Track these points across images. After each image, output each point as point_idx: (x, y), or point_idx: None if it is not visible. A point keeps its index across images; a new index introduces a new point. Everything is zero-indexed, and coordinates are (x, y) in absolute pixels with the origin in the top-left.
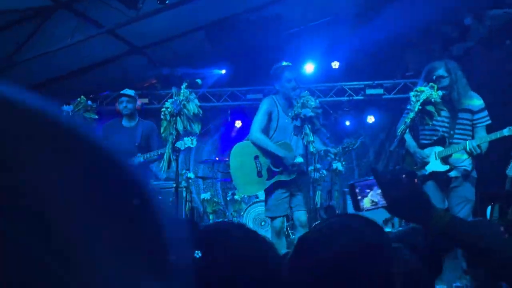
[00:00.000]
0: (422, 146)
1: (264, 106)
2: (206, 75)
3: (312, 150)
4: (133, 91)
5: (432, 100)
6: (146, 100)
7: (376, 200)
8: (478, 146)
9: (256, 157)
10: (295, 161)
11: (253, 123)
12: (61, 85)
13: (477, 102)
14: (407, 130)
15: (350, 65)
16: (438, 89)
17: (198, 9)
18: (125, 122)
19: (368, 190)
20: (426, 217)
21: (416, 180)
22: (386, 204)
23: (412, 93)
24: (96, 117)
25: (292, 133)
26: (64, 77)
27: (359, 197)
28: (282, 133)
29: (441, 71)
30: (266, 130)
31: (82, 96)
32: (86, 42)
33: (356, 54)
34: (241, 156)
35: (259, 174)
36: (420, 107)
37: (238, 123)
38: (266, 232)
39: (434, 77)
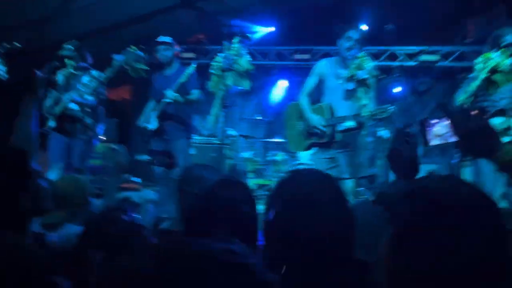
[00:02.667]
0: (482, 118)
1: (315, 69)
2: (255, 32)
3: (365, 114)
4: (170, 38)
5: (500, 68)
6: (193, 55)
7: (445, 137)
8: None
9: (300, 117)
10: (345, 124)
11: (304, 84)
12: (111, 34)
13: None
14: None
15: (405, 28)
16: (508, 56)
17: None
18: (166, 71)
19: (438, 127)
20: (495, 148)
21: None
22: (455, 139)
23: (478, 59)
24: (146, 68)
25: (342, 97)
26: (115, 26)
27: (428, 133)
28: (331, 96)
29: (511, 37)
30: (316, 93)
31: (132, 46)
32: None
33: (413, 17)
34: (291, 114)
35: (301, 134)
36: (487, 75)
37: (282, 83)
38: None
39: (503, 43)
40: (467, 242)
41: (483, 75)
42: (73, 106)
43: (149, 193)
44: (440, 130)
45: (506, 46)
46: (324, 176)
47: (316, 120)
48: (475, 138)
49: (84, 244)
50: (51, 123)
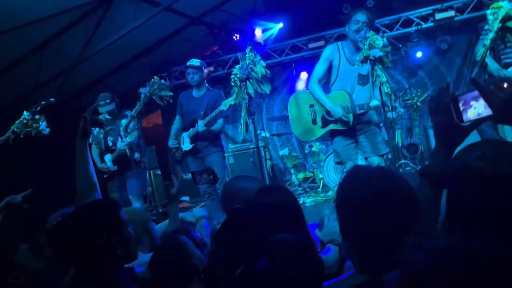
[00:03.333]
0: (506, 66)
1: (324, 53)
2: (265, 35)
3: (387, 90)
4: (199, 60)
5: None
6: (211, 68)
7: (480, 111)
8: None
9: (311, 105)
10: (370, 104)
11: (312, 71)
12: (131, 67)
13: None
14: (488, 53)
15: None
16: None
17: None
18: (194, 92)
19: (472, 102)
20: None
21: None
22: (491, 112)
23: (489, 11)
24: (171, 94)
25: (355, 81)
26: (133, 59)
27: (462, 109)
28: (343, 81)
29: None
30: (327, 79)
31: (155, 77)
32: (147, 23)
33: None
34: (297, 105)
35: (314, 122)
36: (500, 25)
37: (304, 75)
38: None
39: None
40: None
41: (496, 25)
42: (122, 146)
43: (200, 210)
44: (476, 109)
45: None
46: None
47: (340, 111)
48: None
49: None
50: (110, 166)
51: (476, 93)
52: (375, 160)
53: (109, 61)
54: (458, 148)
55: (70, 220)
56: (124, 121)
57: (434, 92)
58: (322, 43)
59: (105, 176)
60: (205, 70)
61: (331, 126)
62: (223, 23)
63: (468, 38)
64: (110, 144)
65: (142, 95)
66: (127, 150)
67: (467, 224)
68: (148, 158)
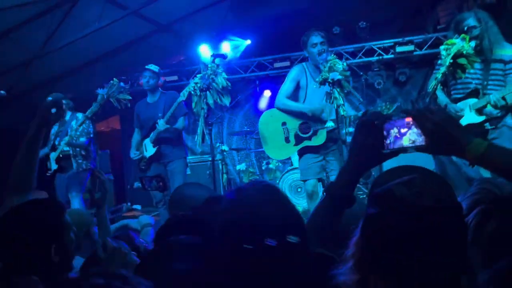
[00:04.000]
0: (455, 101)
1: (291, 74)
2: (232, 47)
3: (343, 113)
4: (158, 67)
5: (464, 52)
6: (175, 77)
7: (413, 138)
8: (503, 98)
9: (283, 123)
10: (326, 125)
11: (279, 90)
12: (92, 68)
13: (509, 51)
14: (439, 86)
15: (378, 23)
16: (469, 39)
17: None
18: (149, 99)
19: (404, 129)
20: (464, 144)
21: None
22: (423, 142)
23: (442, 47)
24: (130, 98)
25: (323, 100)
26: (95, 60)
27: (394, 136)
28: (312, 100)
29: (471, 21)
30: (294, 98)
31: (114, 79)
32: (113, 25)
33: (385, 11)
34: (268, 123)
35: (287, 140)
36: (451, 61)
37: (267, 93)
38: (303, 198)
39: (465, 28)
40: (434, 247)
41: (448, 61)
42: (66, 148)
43: (146, 218)
44: (410, 137)
45: (468, 30)
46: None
47: (318, 108)
48: (442, 136)
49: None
50: (53, 166)
51: (408, 120)
52: None
53: (70, 59)
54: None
55: (6, 218)
56: (74, 123)
57: (367, 112)
58: (287, 63)
59: (47, 174)
60: (161, 79)
61: (305, 143)
62: (191, 33)
63: (425, 73)
64: (56, 143)
65: (99, 96)
66: (71, 150)
67: (380, 247)
68: (101, 163)
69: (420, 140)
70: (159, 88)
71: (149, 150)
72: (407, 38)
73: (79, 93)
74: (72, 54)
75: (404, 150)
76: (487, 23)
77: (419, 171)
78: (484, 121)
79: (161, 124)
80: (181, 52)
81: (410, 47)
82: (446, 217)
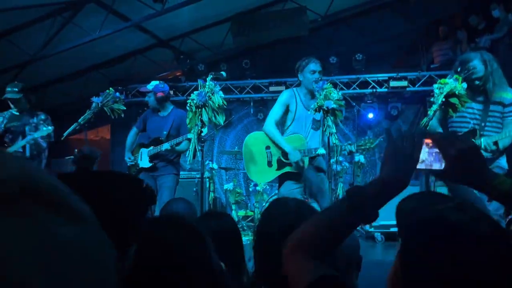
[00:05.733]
0: None
1: (282, 98)
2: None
3: (334, 141)
4: (153, 84)
5: (456, 92)
6: (170, 92)
7: (428, 162)
8: (495, 143)
9: (267, 147)
10: (317, 152)
11: (269, 114)
12: (89, 76)
13: (509, 95)
14: (430, 123)
15: (374, 56)
16: (472, 80)
17: (222, 1)
18: (161, 112)
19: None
20: (489, 178)
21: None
22: (441, 167)
23: (435, 85)
24: (124, 108)
25: (309, 125)
26: (92, 68)
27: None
28: (299, 125)
29: (477, 62)
30: (282, 122)
31: (110, 88)
32: (113, 35)
33: (381, 45)
34: (253, 146)
35: (269, 164)
36: (443, 100)
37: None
38: None
39: (470, 68)
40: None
41: (440, 99)
42: (19, 149)
43: None
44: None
45: (473, 69)
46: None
47: (298, 155)
48: (465, 167)
49: None
50: None
51: (427, 142)
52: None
53: (67, 65)
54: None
55: None
56: (33, 120)
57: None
58: (283, 88)
59: None
60: (159, 95)
61: (287, 169)
62: (190, 50)
63: (416, 109)
64: (7, 140)
65: (94, 104)
66: (28, 150)
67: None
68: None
69: (439, 165)
70: (169, 103)
71: (144, 161)
72: (401, 74)
73: (74, 99)
74: (70, 60)
75: (424, 171)
76: (493, 66)
77: (445, 197)
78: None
79: (166, 147)
80: (178, 68)
81: (404, 83)
82: (506, 242)
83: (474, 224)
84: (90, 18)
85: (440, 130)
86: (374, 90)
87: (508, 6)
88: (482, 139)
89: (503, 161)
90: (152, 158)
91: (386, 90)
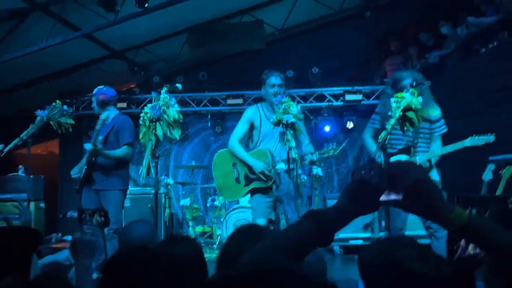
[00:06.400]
0: (388, 155)
1: (245, 115)
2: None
3: (294, 156)
4: (97, 88)
5: (413, 106)
6: (124, 105)
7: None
8: (428, 160)
9: (234, 164)
10: (276, 167)
11: (233, 131)
12: (36, 88)
13: (435, 111)
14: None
15: (330, 70)
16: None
17: (179, 13)
18: (107, 119)
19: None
20: (446, 212)
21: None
22: (398, 198)
23: (392, 99)
24: (72, 122)
25: (277, 140)
26: (40, 80)
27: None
28: (267, 140)
29: (409, 81)
30: (249, 139)
31: (57, 101)
32: (63, 45)
33: (336, 59)
34: (221, 163)
35: (237, 180)
36: (401, 113)
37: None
38: None
39: (403, 86)
40: None
41: (397, 113)
42: None
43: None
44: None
45: (405, 88)
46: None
47: (262, 165)
48: (422, 201)
49: None
50: None
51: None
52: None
53: (12, 75)
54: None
55: None
56: None
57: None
58: (240, 101)
59: None
60: (99, 97)
61: (254, 184)
62: (145, 62)
63: None
64: None
65: (38, 118)
66: None
67: None
68: (34, 189)
69: (396, 195)
70: (113, 110)
71: (82, 171)
72: (356, 87)
73: (18, 112)
74: (15, 70)
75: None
76: (423, 85)
77: (405, 244)
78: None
79: (87, 146)
80: (132, 80)
81: (359, 96)
82: (466, 282)
83: (435, 272)
84: (37, 27)
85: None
86: (330, 103)
87: (456, 23)
88: (417, 157)
89: (433, 174)
90: (88, 166)
91: (341, 103)
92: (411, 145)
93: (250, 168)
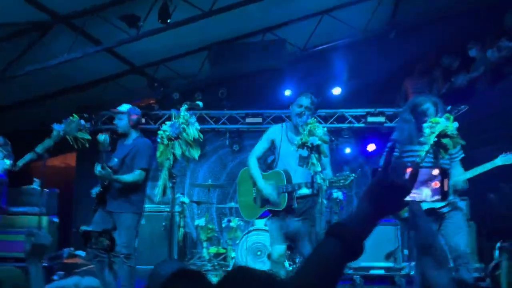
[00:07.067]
0: None
1: (266, 133)
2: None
3: (319, 181)
4: (128, 106)
5: (449, 132)
6: (142, 120)
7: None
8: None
9: (254, 184)
10: (299, 192)
11: (253, 148)
12: (55, 102)
13: None
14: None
15: (352, 91)
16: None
17: (200, 30)
18: (125, 140)
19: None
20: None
21: None
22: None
23: (425, 124)
24: (89, 137)
25: (296, 162)
26: (59, 93)
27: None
28: (284, 162)
29: (429, 105)
30: (270, 155)
31: (74, 115)
32: (83, 59)
33: (358, 81)
34: (244, 180)
35: (254, 200)
36: (436, 139)
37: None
38: (262, 262)
39: (422, 110)
40: None
41: (432, 139)
42: None
43: (91, 280)
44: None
45: (424, 112)
46: None
47: (269, 190)
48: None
49: None
50: None
51: (436, 173)
52: (303, 247)
53: (32, 88)
54: None
55: None
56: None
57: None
58: (259, 119)
59: None
60: (133, 117)
61: (267, 207)
62: (164, 78)
63: None
64: None
65: (55, 132)
66: None
67: None
68: (48, 202)
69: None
70: (136, 131)
71: (96, 190)
72: (378, 110)
73: (37, 124)
74: (36, 83)
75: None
76: (442, 109)
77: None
78: (443, 206)
79: (96, 169)
80: (151, 96)
81: (381, 119)
82: None
83: None
84: (59, 40)
85: None
86: (352, 125)
87: (484, 46)
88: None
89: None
90: (103, 187)
91: (363, 125)
92: None
93: None
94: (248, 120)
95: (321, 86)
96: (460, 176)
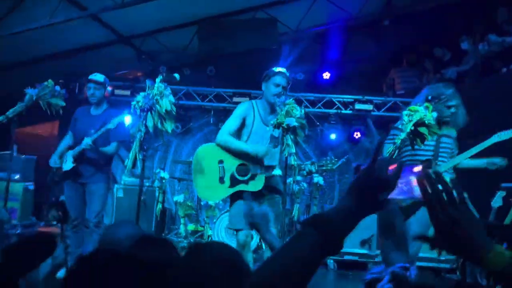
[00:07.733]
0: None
1: (238, 110)
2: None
3: (293, 163)
4: (103, 76)
5: (426, 121)
6: (128, 93)
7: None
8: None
9: (220, 161)
10: (273, 172)
11: (223, 125)
12: (36, 67)
13: (454, 130)
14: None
15: (341, 77)
16: (447, 107)
17: (190, 3)
18: (92, 110)
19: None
20: (483, 250)
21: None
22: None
23: (404, 112)
24: (63, 104)
25: (267, 143)
26: (40, 59)
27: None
28: (256, 141)
29: (451, 93)
30: (237, 136)
31: (49, 80)
32: (67, 25)
33: (348, 67)
34: (204, 159)
35: (221, 180)
36: (412, 128)
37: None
38: None
39: (443, 96)
40: None
41: (408, 127)
42: None
43: None
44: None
45: (447, 100)
46: None
47: (264, 149)
48: (457, 230)
49: None
50: None
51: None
52: (275, 231)
53: (12, 52)
54: None
55: None
56: None
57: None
58: (247, 99)
59: None
60: (108, 88)
61: (240, 187)
62: (153, 51)
63: (378, 133)
64: None
65: (27, 96)
66: None
67: None
68: (24, 170)
69: (403, 196)
70: (106, 102)
71: (68, 163)
72: (366, 97)
73: (15, 90)
74: (16, 47)
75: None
76: (460, 99)
77: None
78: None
79: (85, 143)
80: (139, 69)
81: (369, 106)
82: None
83: None
84: (43, 3)
85: None
86: (339, 111)
87: (476, 40)
88: (441, 166)
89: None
90: (75, 160)
91: (350, 112)
92: (432, 159)
93: (238, 168)
94: (235, 99)
95: (311, 69)
96: (458, 157)
